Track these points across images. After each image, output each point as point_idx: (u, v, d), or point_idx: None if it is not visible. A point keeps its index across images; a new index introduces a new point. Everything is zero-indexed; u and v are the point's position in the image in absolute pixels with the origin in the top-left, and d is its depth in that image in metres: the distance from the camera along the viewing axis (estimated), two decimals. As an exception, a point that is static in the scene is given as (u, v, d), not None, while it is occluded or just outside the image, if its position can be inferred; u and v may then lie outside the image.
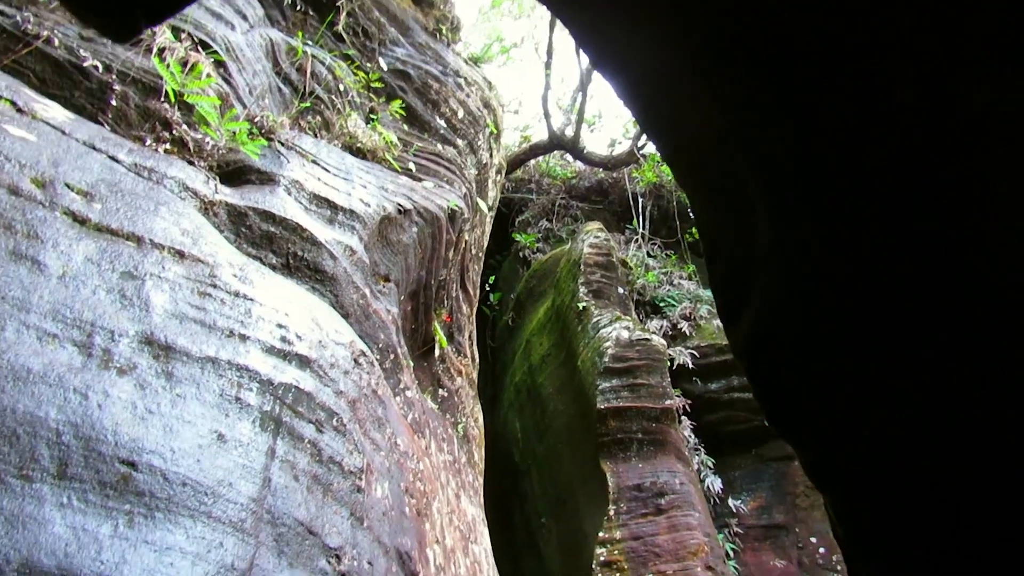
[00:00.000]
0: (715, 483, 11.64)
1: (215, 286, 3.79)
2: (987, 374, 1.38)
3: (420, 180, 6.92)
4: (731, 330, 2.06)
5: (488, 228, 10.56)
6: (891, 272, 1.37)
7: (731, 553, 11.32)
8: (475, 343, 9.29)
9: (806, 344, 1.55)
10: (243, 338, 3.68)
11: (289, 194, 5.09)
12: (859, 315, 1.41)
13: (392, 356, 5.59)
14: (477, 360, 9.18)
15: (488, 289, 14.11)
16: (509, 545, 10.96)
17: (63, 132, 3.80)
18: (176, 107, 4.73)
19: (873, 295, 1.39)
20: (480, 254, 9.66)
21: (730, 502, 11.88)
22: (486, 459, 9.27)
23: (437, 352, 7.49)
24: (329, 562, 3.49)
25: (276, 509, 3.31)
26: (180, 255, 3.77)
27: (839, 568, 11.95)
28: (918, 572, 1.43)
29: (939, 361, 1.36)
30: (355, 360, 4.53)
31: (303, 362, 3.92)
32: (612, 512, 8.97)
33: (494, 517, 9.04)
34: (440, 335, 7.20)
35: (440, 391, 7.56)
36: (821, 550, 12.11)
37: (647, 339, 9.62)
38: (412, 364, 6.44)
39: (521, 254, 14.40)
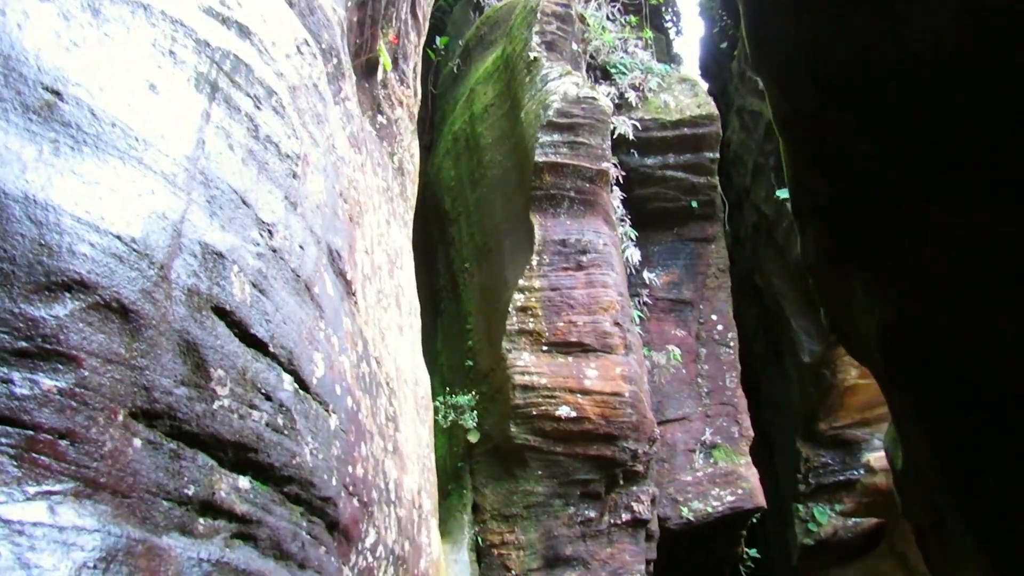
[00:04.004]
0: (634, 254, 12.07)
1: (147, -72, 3.40)
2: None
3: None
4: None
5: (444, -42, 9.80)
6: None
7: (637, 320, 12.00)
8: (419, 78, 8.94)
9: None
10: (178, -10, 3.38)
11: None
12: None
13: (335, 60, 5.32)
14: (419, 95, 8.88)
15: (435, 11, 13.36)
16: (430, 286, 11.33)
17: None
18: None
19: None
20: (433, -18, 9.03)
21: (645, 274, 12.44)
22: (415, 205, 9.26)
23: (380, 75, 7.18)
24: (261, 235, 3.49)
25: (209, 172, 3.23)
26: None
27: (731, 344, 12.93)
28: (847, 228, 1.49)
29: None
30: (297, 47, 4.28)
31: (243, 31, 3.67)
32: (535, 263, 9.26)
33: (419, 260, 9.20)
34: (385, 56, 6.86)
35: (379, 117, 7.35)
36: (719, 327, 13.01)
37: (594, 98, 9.44)
38: (355, 79, 6.17)
39: (475, -1, 13.56)
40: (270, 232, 3.56)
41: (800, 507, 13.23)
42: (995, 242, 1.51)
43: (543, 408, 8.76)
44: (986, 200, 1.47)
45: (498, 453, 9.15)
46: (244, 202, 3.41)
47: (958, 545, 2.54)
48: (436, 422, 8.78)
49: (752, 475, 11.52)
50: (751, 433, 12.11)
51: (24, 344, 2.33)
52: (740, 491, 11.38)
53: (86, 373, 2.47)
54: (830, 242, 2.02)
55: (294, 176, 3.90)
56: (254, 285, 3.34)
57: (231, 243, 3.23)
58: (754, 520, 11.92)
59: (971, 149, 1.38)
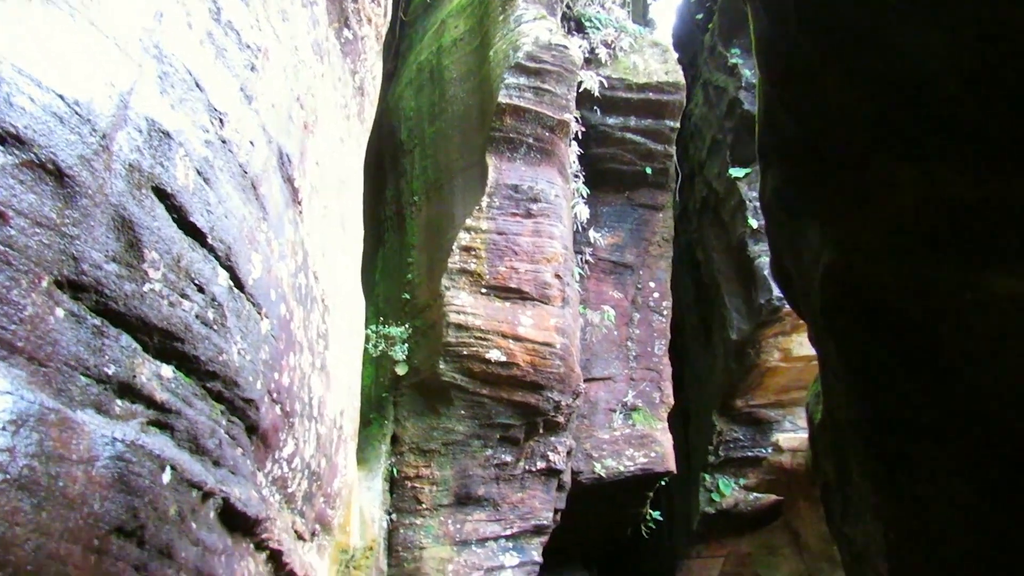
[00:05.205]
0: (583, 211, 12.09)
1: None
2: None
3: None
4: None
5: None
6: None
7: (577, 276, 12.07)
8: (392, 0, 8.66)
9: None
10: None
11: None
12: None
13: (308, -40, 5.10)
14: (389, 17, 8.62)
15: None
16: (376, 216, 11.18)
17: None
18: None
19: None
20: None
21: (591, 233, 12.49)
22: (371, 130, 9.06)
23: (351, -12, 6.93)
24: (212, 122, 3.37)
25: (164, 47, 3.08)
26: None
27: (665, 313, 13.16)
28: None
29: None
30: (271, -64, 4.09)
31: (216, -94, 3.48)
32: (484, 204, 9.20)
33: (367, 187, 9.03)
34: (360, -33, 6.62)
35: (346, 31, 7.11)
36: (655, 294, 13.21)
37: (565, 46, 9.33)
38: (325, -15, 5.95)
39: (457, -71, 13.14)
40: (221, 121, 3.43)
41: (707, 476, 13.74)
42: (951, 201, 1.56)
43: (474, 349, 8.80)
44: (944, 157, 1.51)
45: (424, 388, 9.19)
46: (197, 85, 3.27)
47: (859, 502, 2.68)
48: (366, 350, 8.73)
49: (666, 440, 11.86)
50: (671, 401, 12.43)
51: (-52, 191, 2.21)
52: (653, 454, 11.71)
53: (12, 232, 2.36)
54: (791, 182, 2.05)
55: (252, 68, 3.76)
56: (199, 172, 3.23)
57: (180, 124, 3.10)
58: (662, 483, 12.31)
59: (940, 104, 1.41)
